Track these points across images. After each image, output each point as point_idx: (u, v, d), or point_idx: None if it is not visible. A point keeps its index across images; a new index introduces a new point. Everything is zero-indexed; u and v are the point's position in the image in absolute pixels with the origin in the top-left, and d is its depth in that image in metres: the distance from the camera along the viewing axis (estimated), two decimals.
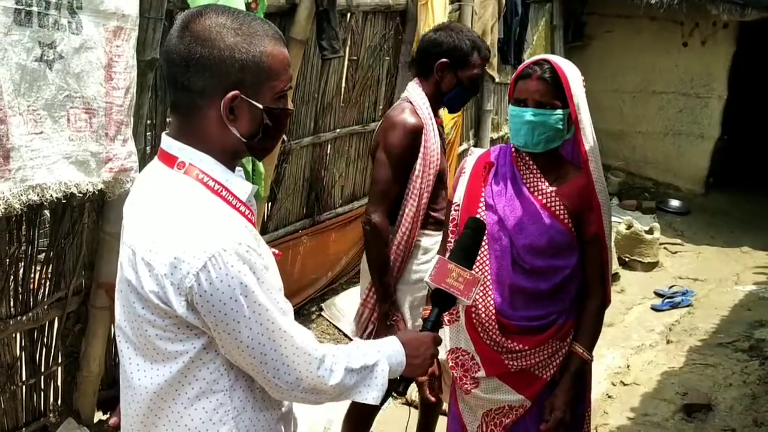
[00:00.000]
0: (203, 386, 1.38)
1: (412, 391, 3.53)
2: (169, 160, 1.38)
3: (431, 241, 2.83)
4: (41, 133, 2.31)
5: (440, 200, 2.84)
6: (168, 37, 1.37)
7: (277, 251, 1.61)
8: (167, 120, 3.10)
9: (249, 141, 1.39)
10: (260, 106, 1.37)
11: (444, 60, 2.74)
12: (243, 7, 2.98)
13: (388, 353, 1.55)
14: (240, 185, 1.41)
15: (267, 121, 1.39)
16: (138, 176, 1.60)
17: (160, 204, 1.36)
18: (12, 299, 2.66)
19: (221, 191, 1.37)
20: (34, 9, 2.21)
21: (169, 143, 1.40)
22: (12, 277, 2.63)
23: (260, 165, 3.39)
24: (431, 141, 2.73)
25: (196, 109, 1.36)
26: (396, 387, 1.73)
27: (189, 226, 1.30)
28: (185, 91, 1.35)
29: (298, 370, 1.39)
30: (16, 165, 2.25)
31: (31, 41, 2.22)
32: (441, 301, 1.79)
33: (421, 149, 2.71)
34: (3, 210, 2.22)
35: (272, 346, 1.35)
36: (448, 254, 1.93)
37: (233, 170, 1.42)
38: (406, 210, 2.74)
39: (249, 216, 1.42)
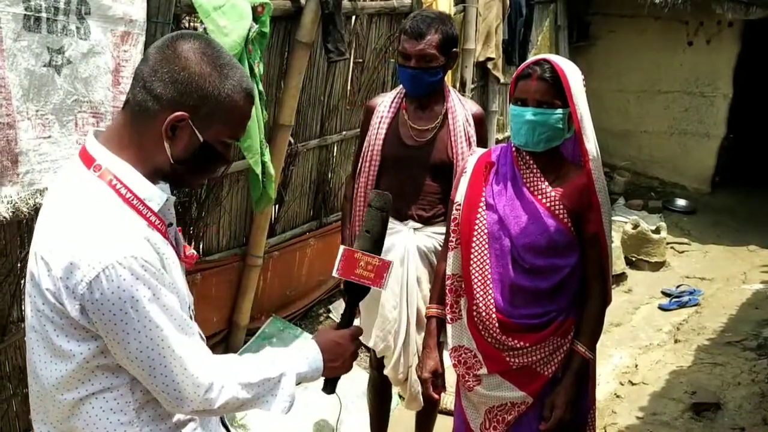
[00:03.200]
0: (103, 382, 1.40)
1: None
2: (88, 160, 1.40)
3: None
4: (49, 137, 2.34)
5: (389, 183, 2.84)
6: (155, 42, 1.42)
7: (194, 253, 1.63)
8: None
9: (175, 165, 1.41)
10: (201, 139, 1.40)
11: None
12: (250, 11, 3.01)
13: (299, 362, 1.57)
14: (155, 195, 1.41)
15: (200, 155, 1.42)
16: (57, 174, 1.59)
17: (67, 206, 1.37)
18: (23, 303, 2.68)
19: (132, 200, 1.38)
20: (43, 15, 2.24)
21: (93, 143, 1.41)
22: (22, 281, 2.66)
23: (271, 167, 3.41)
24: (374, 122, 2.91)
25: (145, 111, 1.38)
26: (323, 388, 1.73)
27: (88, 233, 1.32)
28: (144, 91, 1.37)
29: (186, 391, 1.40)
30: (24, 169, 2.28)
31: (40, 47, 2.25)
32: (352, 293, 1.72)
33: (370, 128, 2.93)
34: (11, 214, 2.25)
35: (161, 362, 1.36)
36: (356, 242, 1.84)
37: (154, 183, 1.43)
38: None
39: (159, 226, 1.42)
